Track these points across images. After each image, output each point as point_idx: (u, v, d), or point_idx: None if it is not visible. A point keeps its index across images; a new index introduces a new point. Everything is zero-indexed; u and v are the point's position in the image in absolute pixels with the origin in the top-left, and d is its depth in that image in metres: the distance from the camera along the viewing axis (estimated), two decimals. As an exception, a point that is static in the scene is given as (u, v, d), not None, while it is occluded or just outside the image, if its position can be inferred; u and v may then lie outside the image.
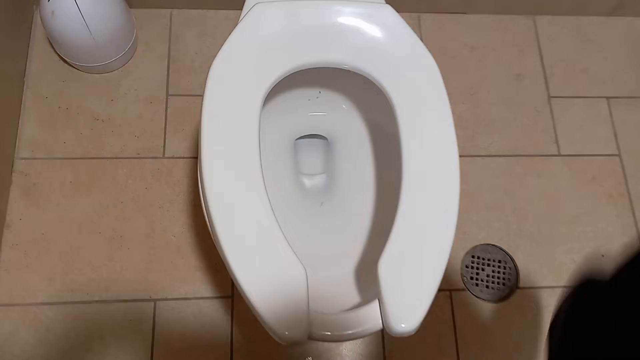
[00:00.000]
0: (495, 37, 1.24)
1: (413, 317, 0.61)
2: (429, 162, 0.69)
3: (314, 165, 0.95)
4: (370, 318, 0.62)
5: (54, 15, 0.98)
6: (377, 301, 0.62)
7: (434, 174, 0.68)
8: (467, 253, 1.07)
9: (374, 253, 0.67)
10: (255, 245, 0.63)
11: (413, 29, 0.75)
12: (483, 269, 1.06)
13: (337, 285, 0.75)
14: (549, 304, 1.04)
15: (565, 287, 1.05)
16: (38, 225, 1.01)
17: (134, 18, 1.13)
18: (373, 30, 0.74)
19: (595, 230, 1.10)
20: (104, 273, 0.99)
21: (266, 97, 0.72)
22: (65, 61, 1.11)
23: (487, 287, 1.04)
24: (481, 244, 1.07)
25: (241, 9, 0.79)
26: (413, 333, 0.61)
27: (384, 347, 0.99)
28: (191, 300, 0.99)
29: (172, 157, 1.08)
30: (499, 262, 1.06)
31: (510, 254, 1.07)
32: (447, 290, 1.04)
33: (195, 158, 1.07)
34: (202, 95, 0.69)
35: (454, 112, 0.71)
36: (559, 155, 1.15)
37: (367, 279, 0.74)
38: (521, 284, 1.05)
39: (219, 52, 0.71)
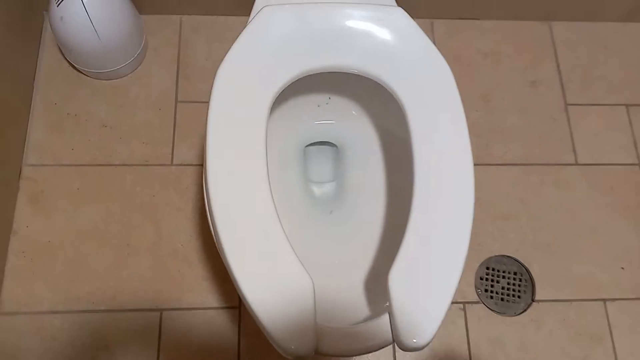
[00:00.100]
0: (510, 43, 1.22)
1: (425, 331, 0.58)
2: (442, 169, 0.67)
3: (323, 173, 0.93)
4: (380, 332, 0.60)
5: (63, 21, 0.98)
6: (387, 314, 0.60)
7: (447, 181, 0.66)
8: (481, 264, 1.04)
9: (384, 263, 0.65)
10: (260, 255, 0.60)
11: (426, 35, 0.73)
12: (498, 281, 1.03)
13: (346, 296, 0.73)
14: (566, 317, 1.01)
15: (582, 300, 1.02)
16: (44, 232, 1.00)
17: (143, 24, 1.12)
18: (384, 34, 0.72)
19: (613, 242, 1.07)
20: (110, 282, 0.98)
21: (275, 103, 0.71)
22: (74, 67, 1.10)
23: (502, 299, 1.02)
24: (496, 255, 1.05)
25: (251, 15, 0.78)
26: (425, 348, 0.59)
27: (395, 361, 0.96)
28: (198, 310, 0.97)
29: (181, 165, 1.06)
30: (515, 274, 1.04)
31: (526, 265, 1.04)
32: (461, 303, 1.01)
33: (203, 165, 1.06)
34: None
35: (467, 120, 0.69)
36: (576, 164, 1.12)
37: (377, 290, 0.72)
38: (537, 297, 1.02)
39: (226, 56, 0.69)
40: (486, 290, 1.02)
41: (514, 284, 1.03)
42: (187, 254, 1.00)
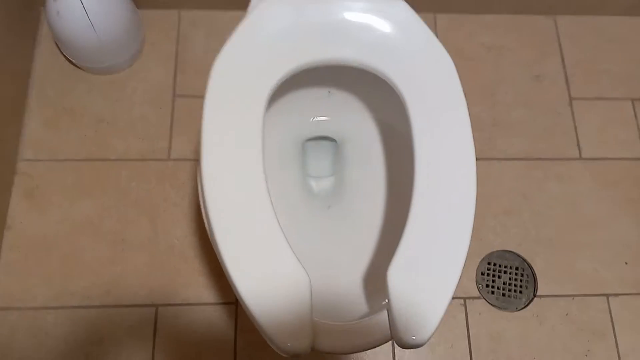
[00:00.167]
0: (514, 37, 1.20)
1: (424, 328, 0.57)
2: (443, 163, 0.65)
3: (322, 168, 0.91)
4: (378, 328, 0.59)
5: (59, 15, 0.96)
6: (386, 310, 0.58)
7: (448, 175, 0.64)
8: (482, 259, 1.02)
9: (383, 259, 0.63)
10: (255, 250, 0.59)
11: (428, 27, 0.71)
12: (499, 277, 1.01)
13: (344, 293, 0.72)
14: (569, 313, 0.99)
15: (585, 295, 1.00)
16: (39, 227, 0.99)
17: (140, 18, 1.10)
18: (384, 26, 0.70)
19: (617, 237, 1.06)
20: (105, 277, 0.96)
21: (274, 97, 0.69)
22: (70, 62, 1.09)
23: (503, 295, 1.00)
24: (498, 250, 1.03)
25: (250, 9, 0.76)
26: (424, 345, 0.57)
27: (394, 358, 0.94)
28: (194, 306, 0.95)
29: (178, 160, 1.05)
30: (517, 269, 1.02)
31: (528, 260, 1.03)
32: (462, 298, 0.99)
33: (201, 160, 1.05)
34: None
35: (470, 114, 0.68)
36: (580, 158, 1.11)
37: (376, 286, 0.70)
38: (539, 292, 1.01)
39: (222, 49, 0.68)
40: (487, 286, 1.01)
41: (515, 279, 1.01)
42: (183, 250, 0.99)
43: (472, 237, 0.62)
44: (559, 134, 1.13)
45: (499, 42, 1.19)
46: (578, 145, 1.12)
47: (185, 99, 1.10)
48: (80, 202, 1.01)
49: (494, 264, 1.02)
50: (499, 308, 0.99)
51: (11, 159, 1.02)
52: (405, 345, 0.57)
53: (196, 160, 1.05)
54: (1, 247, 0.97)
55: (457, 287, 0.60)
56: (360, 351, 0.59)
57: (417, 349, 0.94)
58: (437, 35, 1.16)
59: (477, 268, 1.02)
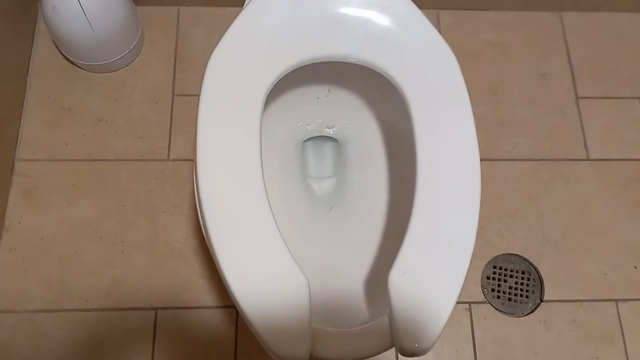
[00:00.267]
0: (519, 34, 1.18)
1: (427, 335, 0.55)
2: (446, 164, 0.63)
3: (322, 168, 0.89)
4: (380, 335, 0.57)
5: (55, 11, 0.95)
6: (387, 316, 0.57)
7: (452, 176, 0.63)
8: (488, 263, 1.01)
9: (385, 262, 0.62)
10: (252, 253, 0.58)
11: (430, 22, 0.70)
12: (505, 281, 0.99)
13: (344, 298, 0.70)
14: (576, 318, 0.97)
15: (593, 301, 0.98)
16: (37, 228, 0.98)
17: (139, 15, 1.09)
18: (385, 21, 0.68)
19: (625, 240, 1.03)
20: (104, 279, 0.95)
21: (273, 95, 0.68)
22: (69, 60, 1.08)
23: (509, 299, 0.98)
24: (503, 254, 1.01)
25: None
26: (427, 353, 0.55)
27: (397, 363, 0.93)
28: (194, 309, 0.94)
29: (177, 160, 1.04)
30: (523, 273, 1.00)
31: (535, 264, 1.01)
32: (466, 303, 0.98)
33: (201, 160, 1.03)
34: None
35: (474, 113, 0.66)
36: (588, 159, 1.09)
37: (377, 291, 0.69)
38: (546, 297, 0.99)
39: (218, 44, 0.66)
40: (493, 290, 0.99)
41: (521, 284, 0.99)
42: (184, 252, 0.97)
43: (476, 239, 0.60)
44: (565, 133, 1.10)
45: (504, 39, 1.17)
46: (585, 145, 1.10)
47: (185, 97, 1.08)
48: (79, 202, 1.00)
49: (500, 268, 1.00)
50: (505, 313, 0.97)
51: (9, 158, 1.01)
52: (407, 353, 0.55)
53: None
54: (-1, 248, 0.96)
55: (461, 291, 0.58)
56: (361, 359, 0.57)
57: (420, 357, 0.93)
58: (440, 32, 1.15)
59: (483, 272, 1.00)
